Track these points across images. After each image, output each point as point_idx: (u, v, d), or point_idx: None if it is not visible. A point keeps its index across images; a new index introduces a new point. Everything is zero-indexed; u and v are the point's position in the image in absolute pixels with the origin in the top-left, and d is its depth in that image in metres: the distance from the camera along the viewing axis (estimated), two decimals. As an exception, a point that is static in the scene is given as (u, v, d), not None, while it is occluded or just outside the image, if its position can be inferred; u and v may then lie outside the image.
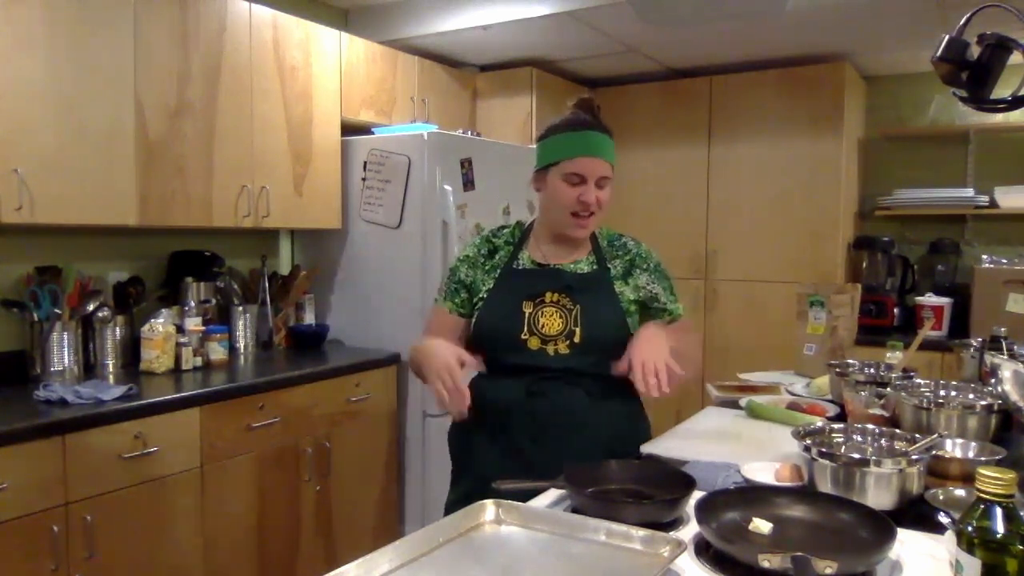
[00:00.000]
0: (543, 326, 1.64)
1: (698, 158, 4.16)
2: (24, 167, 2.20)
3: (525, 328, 1.64)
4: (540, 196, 1.74)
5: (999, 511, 0.92)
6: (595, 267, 1.72)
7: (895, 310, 3.85)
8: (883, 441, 1.49)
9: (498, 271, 1.71)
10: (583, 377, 1.65)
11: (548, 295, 1.66)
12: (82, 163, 2.35)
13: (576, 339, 1.64)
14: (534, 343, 1.64)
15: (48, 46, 2.26)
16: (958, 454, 1.52)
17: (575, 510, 1.30)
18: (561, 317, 1.64)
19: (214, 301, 3.02)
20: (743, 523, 1.19)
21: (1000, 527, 0.91)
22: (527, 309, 1.64)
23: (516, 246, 1.75)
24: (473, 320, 1.71)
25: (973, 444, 1.54)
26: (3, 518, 1.90)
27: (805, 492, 1.31)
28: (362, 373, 2.96)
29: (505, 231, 1.79)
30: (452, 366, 1.49)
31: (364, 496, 3.02)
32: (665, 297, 1.74)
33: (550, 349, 1.64)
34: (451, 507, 1.66)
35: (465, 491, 1.66)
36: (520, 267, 1.72)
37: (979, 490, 0.94)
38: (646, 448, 1.69)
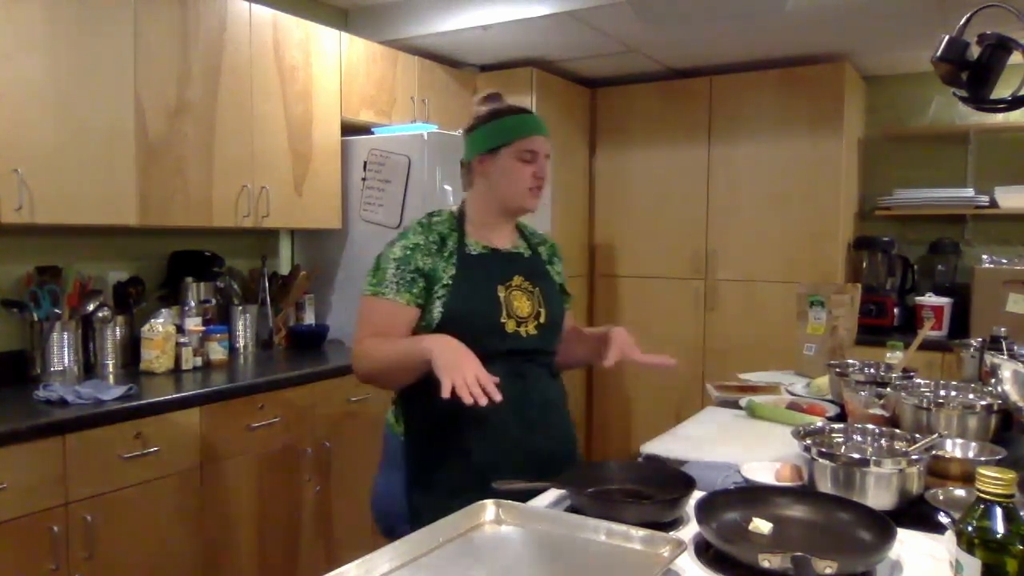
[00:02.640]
0: (517, 308, 1.69)
1: (698, 158, 4.16)
2: (24, 167, 2.20)
3: (504, 311, 1.66)
4: (479, 181, 1.74)
5: (999, 511, 0.92)
6: (531, 252, 1.81)
7: (895, 310, 3.84)
8: (883, 441, 1.49)
9: (455, 258, 1.69)
10: (545, 356, 1.73)
11: (515, 279, 1.71)
12: (82, 163, 2.35)
13: (542, 319, 1.71)
14: (511, 326, 1.66)
15: (48, 46, 2.26)
16: (958, 454, 1.52)
17: (575, 510, 1.30)
18: (528, 299, 1.71)
19: (214, 301, 3.02)
20: (743, 523, 1.19)
21: (1000, 527, 0.91)
22: (501, 293, 1.67)
23: (460, 232, 1.73)
24: (436, 309, 1.64)
25: (973, 444, 1.54)
26: (3, 518, 1.90)
27: (805, 492, 1.32)
28: (362, 373, 2.96)
29: (439, 219, 1.75)
30: (483, 375, 1.45)
31: (364, 496, 3.01)
32: (563, 282, 1.89)
33: (523, 331, 1.67)
34: (431, 507, 1.52)
35: (447, 489, 1.60)
36: (475, 252, 1.71)
37: (979, 490, 0.94)
38: (646, 448, 1.69)
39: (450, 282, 1.65)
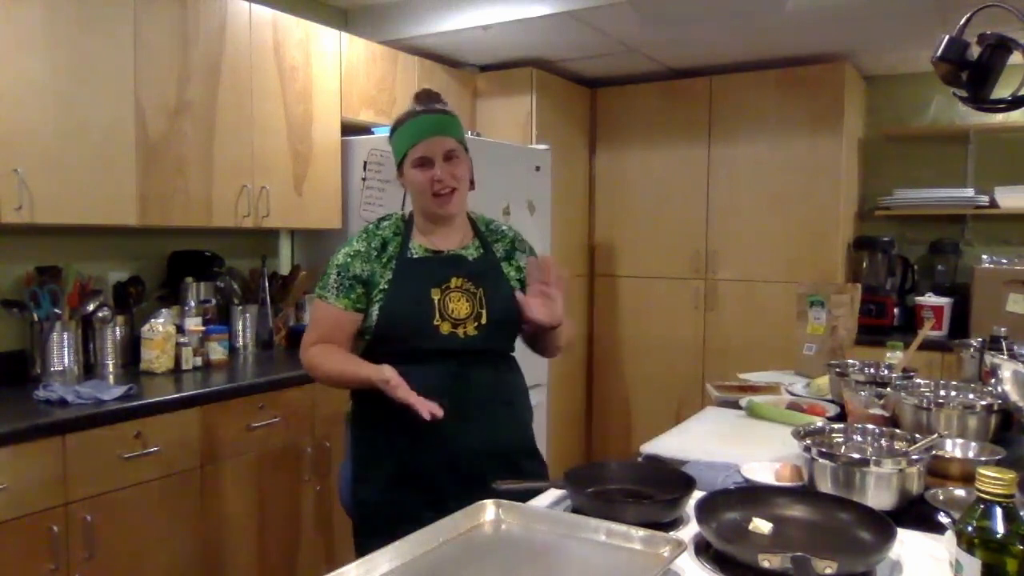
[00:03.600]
0: (452, 311, 1.69)
1: (698, 158, 4.16)
2: (24, 167, 2.20)
3: (436, 314, 1.67)
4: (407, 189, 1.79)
5: (999, 511, 0.92)
6: (482, 251, 1.79)
7: (895, 310, 3.84)
8: (883, 441, 1.49)
9: (394, 262, 1.72)
10: (492, 355, 1.74)
11: (453, 280, 1.71)
12: (82, 163, 2.35)
13: (483, 320, 1.70)
14: (446, 328, 1.67)
15: (48, 46, 2.26)
16: (958, 454, 1.52)
17: (575, 510, 1.30)
18: (468, 301, 1.70)
19: (214, 301, 3.02)
20: (743, 523, 1.20)
21: (1000, 527, 0.91)
22: (435, 296, 1.68)
23: (404, 237, 1.76)
24: (375, 312, 1.69)
25: (973, 444, 1.54)
26: (3, 518, 1.90)
27: (805, 492, 1.32)
28: (362, 373, 2.96)
29: (387, 224, 1.79)
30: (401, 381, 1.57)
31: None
32: None
33: (460, 332, 1.68)
34: (372, 500, 1.71)
35: (386, 482, 1.69)
36: (415, 256, 1.74)
37: (979, 490, 0.94)
38: (646, 448, 1.69)
39: (386, 287, 1.70)
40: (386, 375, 1.58)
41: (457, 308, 1.69)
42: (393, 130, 1.76)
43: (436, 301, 1.67)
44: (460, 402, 1.65)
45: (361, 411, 1.77)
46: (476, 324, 1.69)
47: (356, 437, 1.79)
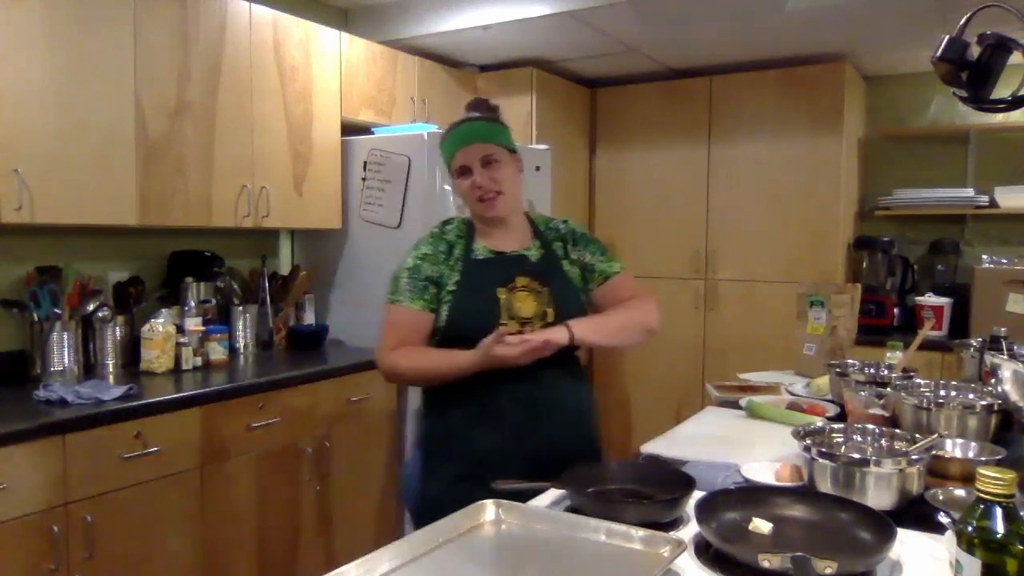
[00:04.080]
0: (519, 310, 1.71)
1: (698, 158, 4.16)
2: (24, 167, 2.20)
3: (503, 313, 1.69)
4: None
5: (999, 511, 0.92)
6: (543, 250, 1.81)
7: (895, 310, 3.84)
8: (883, 441, 1.49)
9: (460, 264, 1.76)
10: (558, 354, 1.71)
11: (519, 280, 1.73)
12: (82, 163, 2.35)
13: (549, 319, 1.71)
14: (513, 327, 1.67)
15: (48, 46, 2.26)
16: (958, 454, 1.52)
17: (575, 510, 1.30)
18: (534, 299, 1.72)
19: (214, 301, 3.02)
20: (743, 523, 1.20)
21: (1000, 527, 0.91)
22: (502, 295, 1.70)
23: (468, 239, 1.80)
24: (444, 313, 1.73)
25: (973, 444, 1.54)
26: (3, 518, 1.90)
27: (805, 492, 1.32)
28: (362, 373, 2.96)
29: (450, 227, 1.84)
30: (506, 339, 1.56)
31: (364, 496, 3.02)
32: (595, 260, 1.84)
33: (527, 331, 1.68)
34: (439, 494, 1.70)
35: (454, 478, 1.70)
36: (480, 257, 1.77)
37: (979, 490, 0.94)
38: (646, 448, 1.69)
39: (454, 288, 1.73)
40: (484, 348, 1.57)
41: (523, 307, 1.71)
42: (441, 144, 1.82)
43: (502, 300, 1.70)
44: (527, 400, 1.68)
45: (435, 404, 1.80)
46: (543, 323, 1.71)
47: (428, 432, 1.81)
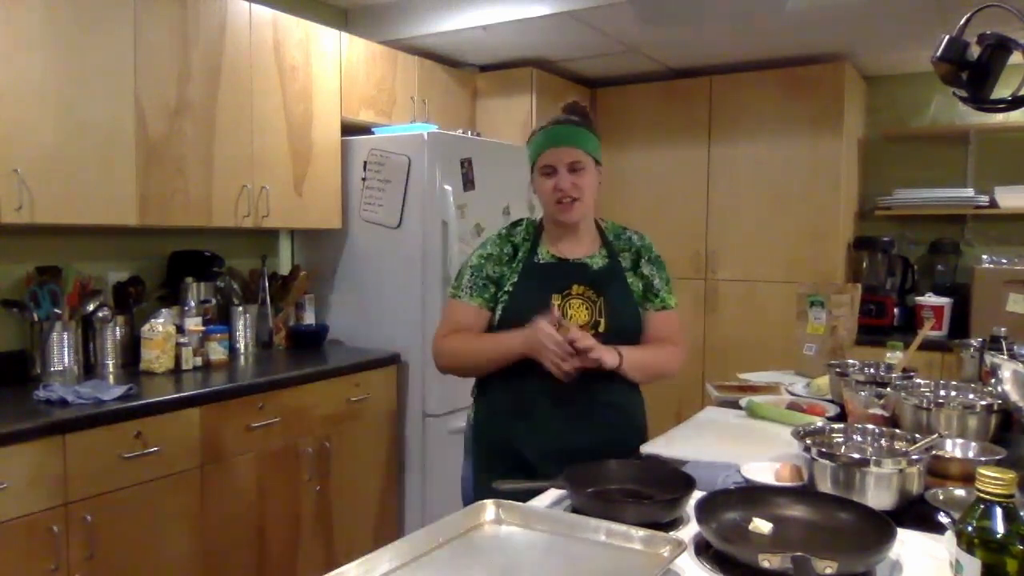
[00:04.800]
0: (571, 317, 1.74)
1: (698, 158, 4.16)
2: (24, 167, 2.20)
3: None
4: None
5: (999, 511, 0.92)
6: (608, 260, 1.83)
7: (895, 310, 3.84)
8: (883, 441, 1.49)
9: (521, 266, 1.80)
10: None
11: (575, 287, 1.77)
12: (82, 163, 2.35)
13: (601, 329, 1.74)
14: (563, 333, 1.67)
15: (48, 46, 2.26)
16: (958, 454, 1.52)
17: (575, 510, 1.30)
18: (587, 308, 1.75)
19: (214, 301, 3.02)
20: (743, 523, 1.19)
21: (1000, 527, 0.91)
22: (556, 301, 1.73)
23: (533, 242, 1.84)
24: (498, 312, 1.79)
25: (973, 444, 1.54)
26: (3, 518, 1.90)
27: (805, 492, 1.32)
28: (362, 373, 2.96)
29: (519, 229, 1.88)
30: (558, 340, 1.61)
31: (364, 496, 3.02)
32: (660, 285, 1.86)
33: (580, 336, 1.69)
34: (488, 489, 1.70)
35: (505, 472, 1.70)
36: (541, 261, 1.81)
37: (979, 490, 0.94)
38: (646, 448, 1.69)
39: (511, 289, 1.78)
40: (536, 327, 1.62)
41: (576, 315, 1.74)
42: (529, 138, 1.84)
43: (556, 307, 1.71)
44: (569, 403, 1.71)
45: (478, 407, 1.87)
46: (594, 332, 1.72)
47: (477, 432, 1.86)
